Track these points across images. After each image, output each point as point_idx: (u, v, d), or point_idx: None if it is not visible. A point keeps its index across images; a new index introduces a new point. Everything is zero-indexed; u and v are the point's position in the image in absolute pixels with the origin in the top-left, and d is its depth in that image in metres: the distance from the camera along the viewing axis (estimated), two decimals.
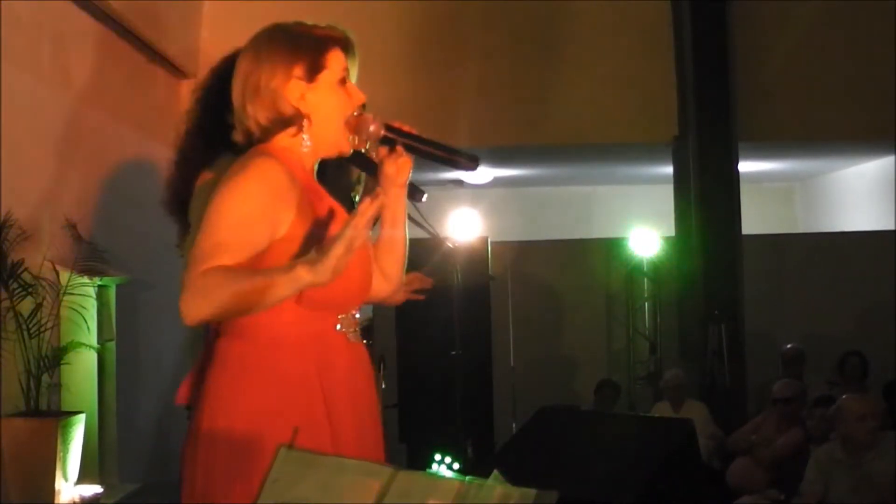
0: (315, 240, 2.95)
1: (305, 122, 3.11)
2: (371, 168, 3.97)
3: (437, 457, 8.68)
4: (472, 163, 3.31)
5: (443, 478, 2.01)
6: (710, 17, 11.84)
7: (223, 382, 3.02)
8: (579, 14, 12.07)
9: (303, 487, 1.98)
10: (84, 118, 8.19)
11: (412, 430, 9.59)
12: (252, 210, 2.93)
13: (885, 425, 7.96)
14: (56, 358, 6.88)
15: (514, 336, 11.95)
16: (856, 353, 10.81)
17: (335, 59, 3.19)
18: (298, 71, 3.12)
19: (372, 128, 3.19)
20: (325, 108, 3.14)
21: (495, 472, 2.05)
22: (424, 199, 4.18)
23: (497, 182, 16.07)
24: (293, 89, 3.10)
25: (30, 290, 6.69)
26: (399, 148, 3.24)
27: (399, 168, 3.25)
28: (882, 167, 14.67)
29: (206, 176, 3.77)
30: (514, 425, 11.30)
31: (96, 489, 7.19)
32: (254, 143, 3.12)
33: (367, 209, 2.76)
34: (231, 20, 11.13)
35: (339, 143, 3.18)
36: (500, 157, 13.90)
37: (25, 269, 6.69)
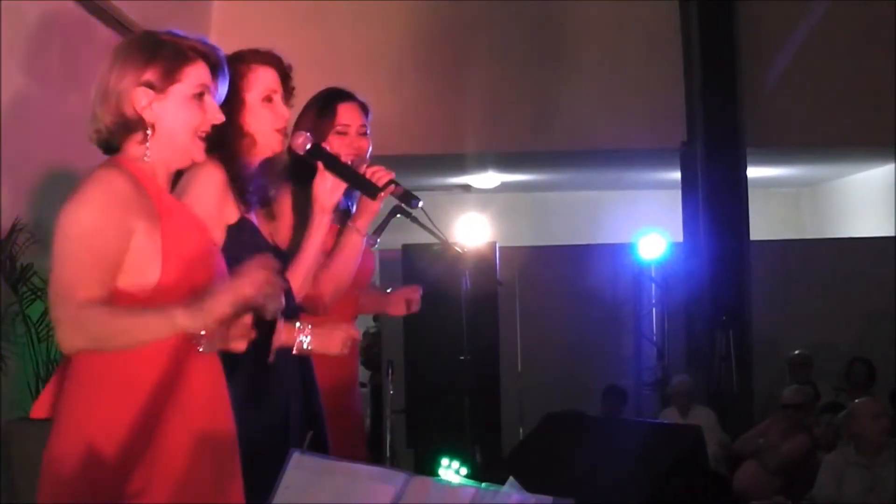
0: (171, 251, 2.97)
1: (149, 131, 3.09)
2: (367, 189, 3.99)
3: (445, 462, 8.67)
4: (377, 188, 3.43)
5: (457, 483, 2.01)
6: (717, 23, 11.84)
7: (71, 397, 3.01)
8: (587, 19, 12.07)
9: (315, 493, 1.98)
10: None
11: (419, 435, 9.59)
12: (104, 226, 2.94)
13: (894, 431, 7.98)
14: (65, 362, 6.87)
15: (521, 341, 11.93)
16: (862, 360, 10.80)
17: (194, 72, 3.13)
18: (149, 78, 3.08)
19: (300, 140, 3.23)
20: (171, 120, 3.10)
21: (511, 478, 2.06)
22: (420, 205, 4.20)
23: (504, 187, 16.05)
24: (140, 96, 3.07)
25: (39, 293, 6.70)
26: (320, 167, 3.30)
27: (326, 189, 3.25)
28: (889, 173, 14.63)
29: None
30: (520, 430, 11.29)
31: None
32: (108, 150, 3.13)
33: (257, 276, 2.79)
34: (239, 23, 11.16)
35: (190, 153, 3.16)
36: (507, 162, 13.89)
37: (35, 274, 6.70)
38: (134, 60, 3.10)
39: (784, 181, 16.95)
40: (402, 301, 4.95)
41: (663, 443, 7.28)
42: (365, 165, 4.18)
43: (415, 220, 4.83)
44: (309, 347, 3.63)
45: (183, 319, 2.79)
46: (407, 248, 9.85)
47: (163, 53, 3.11)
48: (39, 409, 3.18)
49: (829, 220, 16.95)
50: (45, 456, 3.02)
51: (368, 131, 4.43)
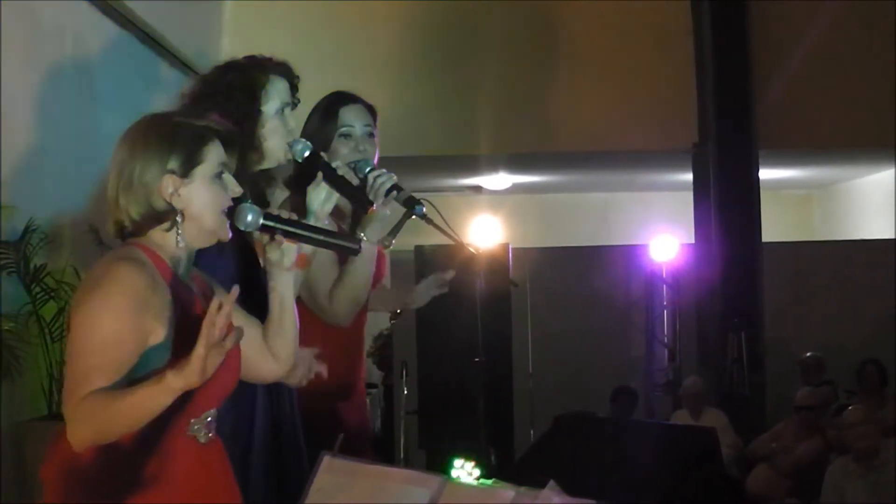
0: (186, 340, 2.89)
1: (179, 219, 3.05)
2: (360, 201, 3.96)
3: (457, 463, 8.65)
4: (354, 246, 3.35)
5: (494, 486, 2.00)
6: (730, 24, 11.83)
7: (55, 475, 2.99)
8: (599, 20, 12.07)
9: (347, 496, 1.96)
10: (105, 123, 8.20)
11: (432, 436, 9.58)
12: (117, 326, 2.87)
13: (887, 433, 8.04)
14: None
15: (533, 342, 11.92)
16: (874, 362, 10.77)
17: (212, 151, 3.09)
18: (173, 165, 3.03)
19: (250, 217, 3.16)
20: (199, 203, 3.06)
21: (552, 481, 2.04)
22: (423, 210, 4.16)
23: (516, 188, 16.05)
24: (167, 184, 3.02)
25: (52, 294, 6.70)
26: (278, 237, 3.20)
27: (283, 253, 3.20)
28: None
29: None
30: (532, 432, 11.27)
31: None
32: (125, 236, 3.07)
33: (216, 311, 2.70)
34: (251, 25, 11.17)
35: (216, 233, 3.13)
36: (518, 163, 13.89)
37: (48, 274, 6.70)
38: (156, 149, 3.04)
39: (796, 183, 16.93)
40: (428, 294, 4.97)
41: (677, 445, 7.26)
42: (368, 169, 4.16)
43: (429, 221, 4.81)
44: None
45: (172, 379, 2.70)
46: (420, 249, 9.85)
47: (182, 137, 3.06)
48: None
49: (840, 222, 16.94)
50: (51, 448, 3.02)
51: (376, 133, 4.39)
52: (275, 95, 3.79)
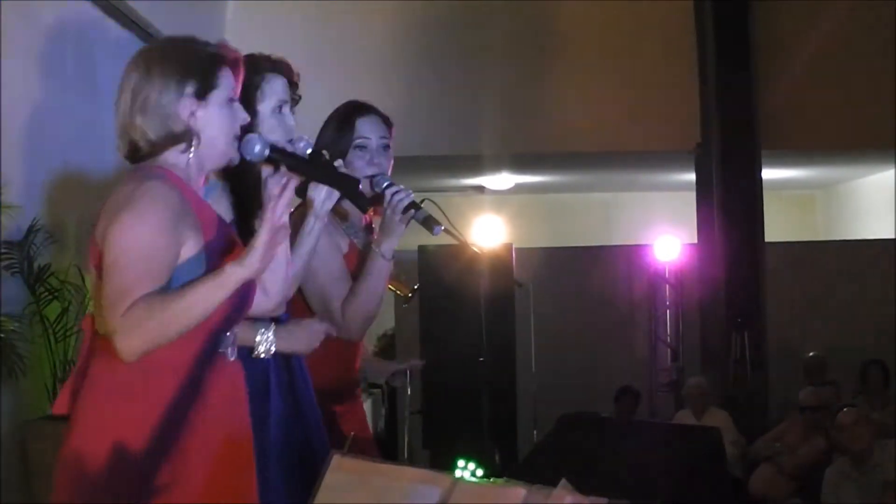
0: (210, 254, 3.00)
1: (195, 140, 3.11)
2: (359, 201, 3.93)
3: (461, 463, 8.66)
4: (354, 183, 3.41)
5: (506, 485, 1.99)
6: (733, 24, 11.82)
7: (96, 396, 3.00)
8: (602, 21, 12.07)
9: (358, 495, 1.95)
10: (109, 123, 8.18)
11: (436, 436, 9.58)
12: (157, 237, 2.93)
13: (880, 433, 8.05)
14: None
15: (536, 342, 11.92)
16: (877, 363, 10.75)
17: (226, 77, 3.17)
18: (190, 88, 3.09)
19: (258, 147, 3.21)
20: (214, 126, 3.14)
21: (564, 480, 2.04)
22: (441, 230, 4.14)
23: (519, 188, 16.05)
24: (186, 106, 3.08)
25: (56, 294, 6.71)
26: (283, 168, 3.26)
27: (281, 187, 3.23)
28: None
29: None
30: (535, 432, 11.27)
31: None
32: (138, 158, 3.11)
33: (278, 191, 2.89)
34: (253, 24, 11.16)
35: (228, 155, 3.21)
36: (522, 163, 13.88)
37: (52, 274, 6.71)
38: (173, 71, 3.09)
39: (798, 183, 16.92)
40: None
41: (681, 445, 7.24)
42: (386, 184, 4.14)
43: (437, 222, 4.81)
44: (271, 349, 3.58)
45: (233, 270, 2.86)
46: (423, 249, 9.83)
47: (198, 61, 3.13)
48: (60, 406, 3.15)
49: (843, 223, 16.93)
50: (62, 453, 3.01)
51: (391, 145, 4.36)
52: (270, 94, 3.77)
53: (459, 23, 11.91)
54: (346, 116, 4.33)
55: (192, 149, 3.10)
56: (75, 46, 7.90)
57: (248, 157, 3.24)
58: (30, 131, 7.08)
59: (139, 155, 3.11)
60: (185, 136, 3.09)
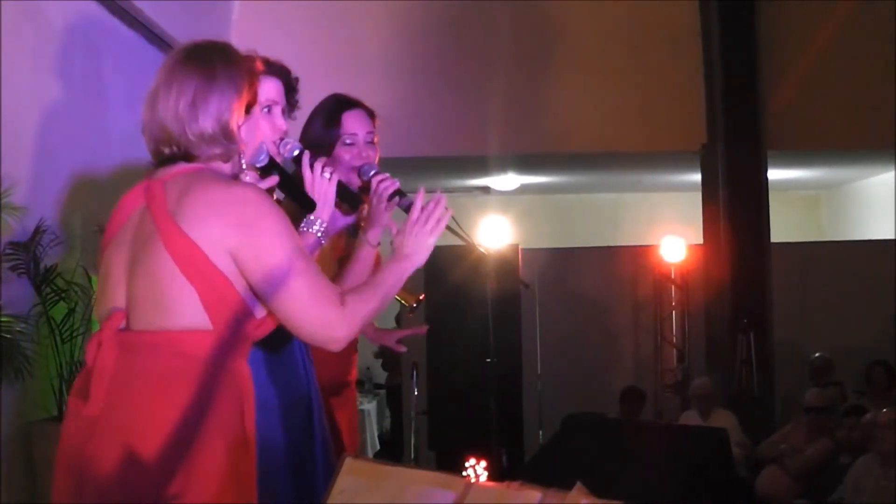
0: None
1: (242, 153, 3.24)
2: (351, 202, 3.95)
3: (467, 465, 8.66)
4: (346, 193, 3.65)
5: (520, 488, 1.99)
6: (738, 25, 11.82)
7: (114, 399, 2.99)
8: (608, 21, 12.06)
9: (370, 497, 1.95)
10: (115, 124, 8.20)
11: (442, 437, 9.58)
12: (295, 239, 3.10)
13: None
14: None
15: (541, 342, 11.92)
16: (882, 363, 10.76)
17: (264, 90, 3.36)
18: (241, 102, 3.17)
19: (262, 157, 3.34)
20: (252, 137, 3.33)
21: (579, 483, 2.04)
22: (407, 203, 4.16)
23: (524, 189, 16.06)
24: (235, 119, 3.14)
25: (62, 295, 6.70)
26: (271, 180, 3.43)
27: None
28: None
29: None
30: (540, 433, 11.28)
31: None
32: (172, 159, 3.13)
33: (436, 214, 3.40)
34: (260, 24, 11.16)
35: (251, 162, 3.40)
36: (527, 164, 13.88)
37: (58, 275, 6.70)
38: (237, 81, 3.16)
39: (804, 184, 16.92)
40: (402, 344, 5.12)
41: (688, 446, 7.26)
42: (372, 172, 4.15)
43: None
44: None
45: (407, 259, 3.43)
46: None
47: (248, 75, 3.22)
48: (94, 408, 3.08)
49: (848, 223, 16.92)
50: (83, 450, 2.99)
51: (376, 139, 4.40)
52: (261, 94, 3.78)
53: (465, 24, 11.90)
54: (333, 111, 4.36)
55: (240, 158, 3.22)
56: (82, 47, 7.90)
57: (250, 162, 3.38)
58: (36, 132, 7.08)
59: (174, 159, 3.13)
60: (233, 148, 3.17)
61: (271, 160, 3.40)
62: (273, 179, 3.39)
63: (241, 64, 3.20)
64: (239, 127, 3.14)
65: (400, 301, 5.13)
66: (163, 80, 3.17)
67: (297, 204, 3.56)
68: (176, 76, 3.14)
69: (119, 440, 2.92)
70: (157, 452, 2.90)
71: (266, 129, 3.61)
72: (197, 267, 2.96)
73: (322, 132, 4.28)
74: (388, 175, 4.11)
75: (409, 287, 5.10)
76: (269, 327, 3.12)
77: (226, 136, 3.11)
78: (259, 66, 3.29)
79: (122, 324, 3.07)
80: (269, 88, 3.74)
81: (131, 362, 3.00)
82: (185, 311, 2.98)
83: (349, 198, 3.88)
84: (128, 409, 2.96)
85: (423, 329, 5.43)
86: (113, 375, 3.01)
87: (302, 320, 3.05)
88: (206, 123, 3.09)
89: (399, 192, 4.06)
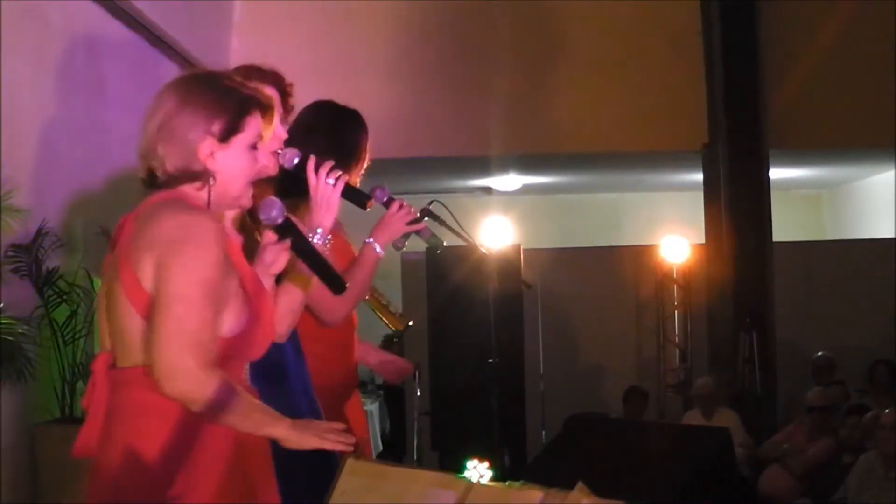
0: (241, 292, 3.04)
1: (211, 181, 3.09)
2: (359, 201, 3.95)
3: (470, 465, 8.65)
4: (338, 289, 3.38)
5: (521, 488, 1.99)
6: (739, 24, 11.82)
7: (138, 435, 2.98)
8: (609, 21, 12.05)
9: (372, 498, 1.95)
10: (116, 125, 8.20)
11: (444, 437, 9.57)
12: (217, 275, 2.96)
13: None
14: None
15: (544, 343, 11.93)
16: (885, 362, 10.75)
17: (253, 122, 3.15)
18: (216, 129, 3.07)
19: (274, 212, 3.23)
20: (232, 170, 3.12)
21: (580, 483, 2.04)
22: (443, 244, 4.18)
23: (526, 189, 16.05)
24: (206, 147, 3.06)
25: (65, 297, 6.70)
26: (287, 243, 3.28)
27: (275, 258, 3.28)
28: None
29: None
30: (543, 433, 11.27)
31: None
32: (154, 185, 3.09)
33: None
34: (261, 26, 11.16)
35: (241, 200, 3.21)
36: (529, 164, 13.88)
37: (60, 277, 6.71)
38: (203, 108, 3.08)
39: (805, 183, 16.92)
40: (394, 370, 5.10)
41: (691, 445, 7.26)
42: (398, 205, 4.19)
43: (442, 222, 4.83)
44: None
45: (284, 432, 2.95)
46: (431, 251, 9.82)
47: (229, 103, 3.11)
48: (86, 449, 3.12)
49: (850, 222, 16.92)
50: (95, 461, 3.03)
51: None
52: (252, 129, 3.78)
53: (466, 25, 11.90)
54: (359, 136, 4.37)
55: (209, 188, 3.09)
56: (83, 49, 7.90)
57: (262, 217, 3.25)
58: (37, 134, 7.09)
59: (155, 182, 3.09)
60: (202, 176, 3.07)
61: (291, 228, 3.30)
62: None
63: (223, 92, 3.13)
64: (212, 154, 3.06)
65: (387, 325, 5.15)
66: (151, 103, 3.16)
67: (318, 276, 3.48)
68: (157, 99, 3.13)
69: (124, 444, 2.95)
70: (159, 455, 2.91)
71: (249, 162, 3.59)
72: (144, 303, 2.95)
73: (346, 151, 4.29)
74: (407, 208, 4.20)
75: (398, 314, 5.13)
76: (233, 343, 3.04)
77: (190, 163, 3.06)
78: (261, 98, 3.21)
79: (111, 361, 3.11)
80: (259, 122, 3.75)
81: (120, 399, 3.04)
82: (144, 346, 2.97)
83: (356, 197, 3.89)
84: (130, 417, 3.00)
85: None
86: (106, 413, 3.06)
87: (155, 358, 2.90)
88: (171, 149, 3.05)
89: (419, 220, 4.17)
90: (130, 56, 8.73)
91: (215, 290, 2.94)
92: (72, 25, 7.72)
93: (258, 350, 3.14)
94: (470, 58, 11.93)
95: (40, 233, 6.65)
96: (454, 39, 11.90)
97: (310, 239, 3.49)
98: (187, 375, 2.86)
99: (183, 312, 2.88)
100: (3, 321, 6.17)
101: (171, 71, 9.63)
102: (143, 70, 8.93)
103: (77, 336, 6.73)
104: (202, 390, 2.87)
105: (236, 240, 3.33)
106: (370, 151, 4.40)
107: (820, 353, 11.23)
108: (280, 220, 3.24)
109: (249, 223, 3.65)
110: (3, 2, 6.64)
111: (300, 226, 3.36)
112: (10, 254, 6.55)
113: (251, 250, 3.36)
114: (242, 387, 3.05)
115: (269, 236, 3.31)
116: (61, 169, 7.38)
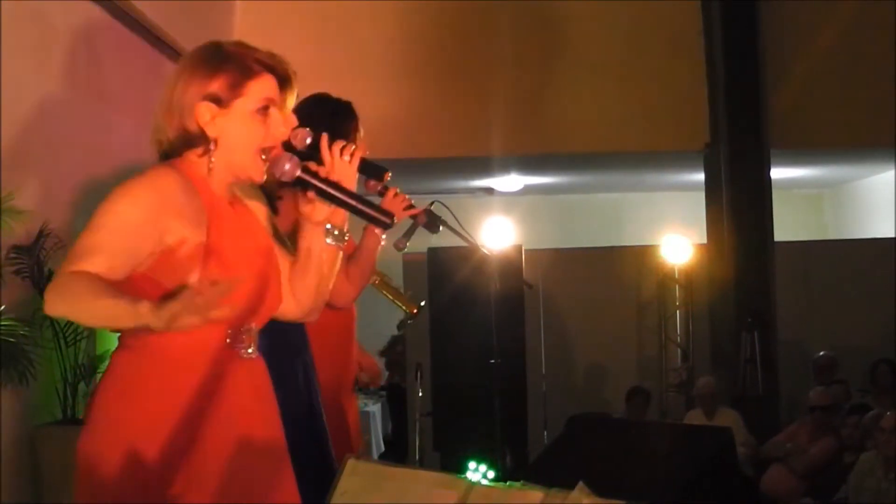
0: (214, 253, 2.95)
1: (212, 146, 3.02)
2: (376, 174, 3.95)
3: (472, 465, 8.65)
4: (386, 219, 3.23)
5: (521, 488, 1.99)
6: (740, 24, 11.82)
7: (110, 396, 2.98)
8: (610, 21, 12.06)
9: (372, 498, 1.95)
10: (117, 126, 8.21)
11: (446, 438, 9.57)
12: (136, 216, 2.89)
13: None
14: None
15: (546, 343, 11.92)
16: (886, 361, 10.75)
17: (258, 86, 3.05)
18: (213, 92, 3.01)
19: (287, 166, 3.08)
20: (234, 136, 3.03)
21: (581, 483, 2.03)
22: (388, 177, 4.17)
23: (528, 190, 16.05)
24: (203, 111, 3.00)
25: None
26: (310, 194, 3.14)
27: (313, 209, 3.16)
28: None
29: None
30: (545, 433, 11.27)
31: None
32: (163, 157, 3.06)
33: (203, 291, 2.68)
34: (262, 25, 11.16)
35: (249, 171, 3.07)
36: (530, 165, 13.88)
37: None
38: (199, 73, 3.03)
39: (807, 182, 16.91)
40: (372, 371, 5.14)
41: (693, 445, 7.26)
42: (393, 192, 4.20)
43: (443, 223, 4.83)
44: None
45: (146, 313, 2.69)
46: (433, 251, 9.82)
47: (228, 66, 3.04)
48: None
49: (852, 221, 16.91)
50: (78, 454, 2.99)
51: None
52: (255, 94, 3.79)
53: (468, 26, 11.91)
54: (349, 123, 4.37)
55: (210, 156, 3.02)
56: (84, 50, 7.91)
57: (276, 175, 3.09)
58: (38, 135, 7.09)
59: (163, 155, 3.06)
60: (201, 141, 3.02)
61: (312, 173, 3.15)
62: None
63: (223, 56, 3.06)
64: (212, 119, 2.99)
65: (402, 308, 5.15)
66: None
67: (355, 213, 3.40)
68: (168, 79, 3.11)
69: (119, 439, 2.93)
70: (158, 452, 2.90)
71: (254, 129, 3.58)
72: None
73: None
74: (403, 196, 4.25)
75: (410, 295, 5.14)
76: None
77: (187, 126, 3.01)
78: (273, 63, 3.12)
79: None
80: (267, 87, 3.75)
81: (118, 356, 3.04)
82: None
83: (373, 170, 3.89)
84: (125, 409, 2.98)
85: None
86: (105, 373, 3.08)
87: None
88: (169, 117, 3.03)
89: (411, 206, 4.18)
90: (131, 57, 8.73)
91: (126, 227, 2.88)
92: (72, 26, 7.72)
93: (260, 318, 3.11)
94: (471, 58, 11.93)
95: (42, 234, 6.66)
96: (455, 40, 11.91)
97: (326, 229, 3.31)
98: (50, 287, 2.83)
99: (81, 239, 2.86)
100: (4, 323, 6.18)
101: (171, 71, 9.64)
102: (144, 71, 8.94)
103: (78, 338, 6.74)
104: (59, 310, 2.82)
105: (244, 211, 3.21)
106: (369, 151, 4.40)
107: (822, 353, 11.23)
108: (297, 173, 3.10)
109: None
110: (3, 2, 6.65)
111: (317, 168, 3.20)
112: (12, 255, 6.56)
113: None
114: (229, 354, 3.03)
115: (303, 205, 3.19)
116: (62, 170, 7.39)
